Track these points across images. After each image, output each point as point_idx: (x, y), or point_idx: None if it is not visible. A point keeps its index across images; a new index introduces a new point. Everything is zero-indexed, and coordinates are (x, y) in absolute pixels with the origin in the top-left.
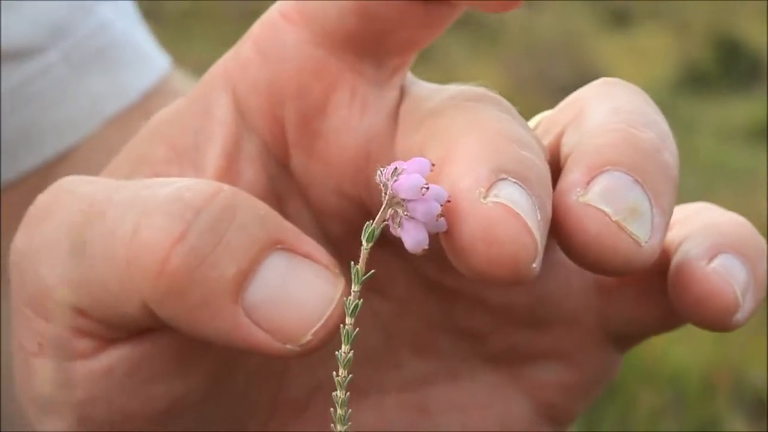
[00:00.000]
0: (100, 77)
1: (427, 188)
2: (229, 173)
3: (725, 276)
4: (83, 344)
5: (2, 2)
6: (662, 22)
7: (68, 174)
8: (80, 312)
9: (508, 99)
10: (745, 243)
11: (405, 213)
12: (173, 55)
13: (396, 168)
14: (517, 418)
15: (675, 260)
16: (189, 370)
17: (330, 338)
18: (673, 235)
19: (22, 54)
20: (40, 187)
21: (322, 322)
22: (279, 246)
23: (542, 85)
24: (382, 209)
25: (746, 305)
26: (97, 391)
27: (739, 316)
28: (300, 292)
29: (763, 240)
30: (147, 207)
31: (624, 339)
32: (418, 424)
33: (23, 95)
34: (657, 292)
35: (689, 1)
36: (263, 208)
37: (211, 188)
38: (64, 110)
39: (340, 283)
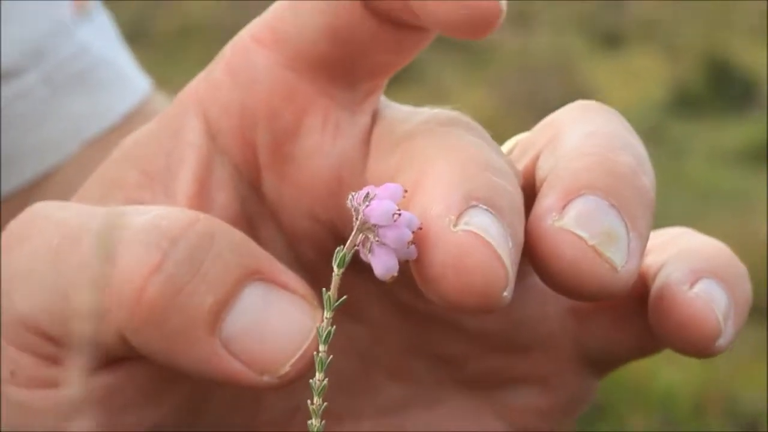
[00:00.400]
0: (80, 99)
1: (399, 214)
2: (201, 198)
3: (707, 301)
4: (57, 372)
5: None
6: (654, 44)
7: (50, 196)
8: (53, 341)
9: (500, 121)
10: (725, 268)
11: (376, 239)
12: (162, 77)
13: (368, 193)
14: None
15: (655, 285)
16: (162, 399)
17: (308, 369)
18: (652, 260)
19: (1, 76)
20: (22, 210)
21: (300, 353)
22: (256, 276)
23: (534, 106)
24: (353, 234)
25: (728, 330)
26: (70, 420)
27: (721, 341)
28: (277, 323)
29: (742, 265)
30: (123, 236)
31: (600, 364)
32: None
33: (3, 117)
34: (634, 317)
35: (681, 23)
36: (240, 237)
37: (187, 217)
38: (44, 132)
39: (318, 314)
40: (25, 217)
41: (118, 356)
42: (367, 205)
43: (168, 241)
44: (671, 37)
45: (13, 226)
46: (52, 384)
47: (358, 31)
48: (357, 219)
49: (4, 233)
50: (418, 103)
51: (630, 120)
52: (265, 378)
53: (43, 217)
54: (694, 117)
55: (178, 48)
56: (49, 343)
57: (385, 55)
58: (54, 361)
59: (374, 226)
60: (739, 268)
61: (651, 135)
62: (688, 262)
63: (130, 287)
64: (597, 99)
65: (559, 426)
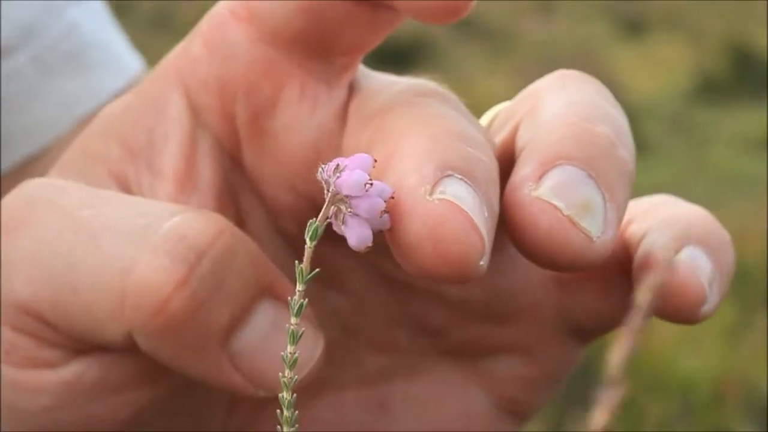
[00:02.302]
0: (70, 79)
1: (371, 184)
2: (187, 174)
3: (692, 268)
4: (52, 354)
5: None
6: (677, 31)
7: (41, 176)
8: (52, 326)
9: None
10: (709, 235)
11: (348, 210)
12: None
13: (338, 165)
14: (477, 413)
15: (639, 253)
16: (157, 379)
17: (304, 385)
18: (635, 228)
19: None
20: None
21: (301, 375)
22: (268, 293)
23: None
24: (324, 207)
25: (712, 297)
26: (64, 399)
27: (706, 308)
28: (283, 344)
29: (725, 232)
30: (147, 242)
31: (585, 333)
32: (378, 420)
33: None
34: (618, 285)
35: (704, 10)
36: (256, 251)
37: (213, 228)
38: (34, 113)
39: (321, 339)
40: (22, 197)
41: (115, 348)
42: (338, 177)
43: (195, 254)
44: (694, 24)
45: (10, 206)
46: (47, 364)
47: (331, 10)
48: (328, 191)
49: None
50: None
51: (653, 107)
52: (261, 392)
53: (45, 200)
54: (717, 104)
55: None
56: (48, 328)
57: (360, 33)
58: (51, 343)
59: (346, 197)
60: (722, 234)
61: (674, 122)
62: (671, 229)
63: (153, 297)
64: (620, 86)
65: (542, 395)
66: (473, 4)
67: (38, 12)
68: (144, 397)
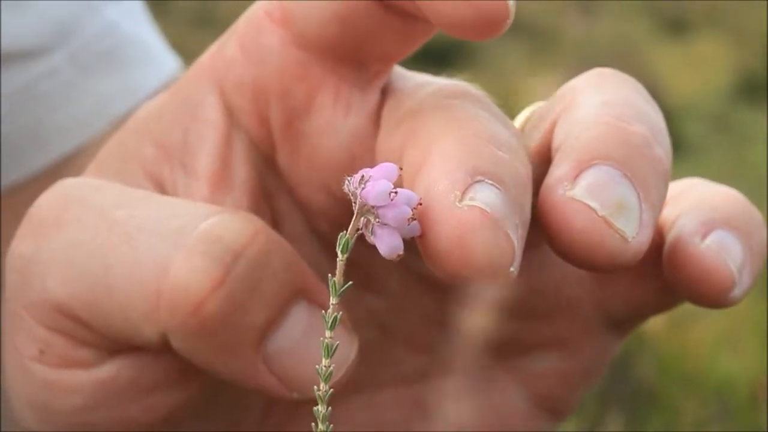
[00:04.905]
0: (106, 78)
1: (396, 193)
2: (222, 175)
3: (720, 253)
4: (86, 354)
5: (8, 2)
6: (720, 30)
7: (77, 175)
8: (87, 326)
9: None
10: (739, 217)
11: (377, 220)
12: None
13: (363, 176)
14: (514, 411)
15: (669, 239)
16: (190, 380)
17: (339, 387)
18: (667, 213)
19: (28, 55)
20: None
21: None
22: (302, 295)
23: None
24: (354, 219)
25: (744, 280)
26: (98, 399)
27: (737, 292)
28: (316, 348)
29: (757, 212)
30: (183, 242)
31: (621, 323)
32: (414, 419)
33: (29, 96)
34: (653, 272)
35: (747, 10)
36: (291, 253)
37: (249, 230)
38: (70, 111)
39: (355, 342)
40: (57, 196)
41: (149, 348)
42: (363, 188)
43: (231, 256)
44: (736, 24)
45: (45, 205)
46: (81, 364)
47: (364, 20)
48: (355, 203)
49: (33, 210)
50: (482, 89)
51: (694, 107)
52: (295, 395)
53: (80, 200)
54: (759, 104)
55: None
56: (82, 328)
57: (393, 43)
58: (85, 343)
59: (373, 207)
60: (753, 215)
61: (715, 122)
62: (700, 213)
63: (188, 299)
64: (661, 86)
65: (578, 391)
66: (509, 22)
67: (75, 11)
68: (178, 397)
